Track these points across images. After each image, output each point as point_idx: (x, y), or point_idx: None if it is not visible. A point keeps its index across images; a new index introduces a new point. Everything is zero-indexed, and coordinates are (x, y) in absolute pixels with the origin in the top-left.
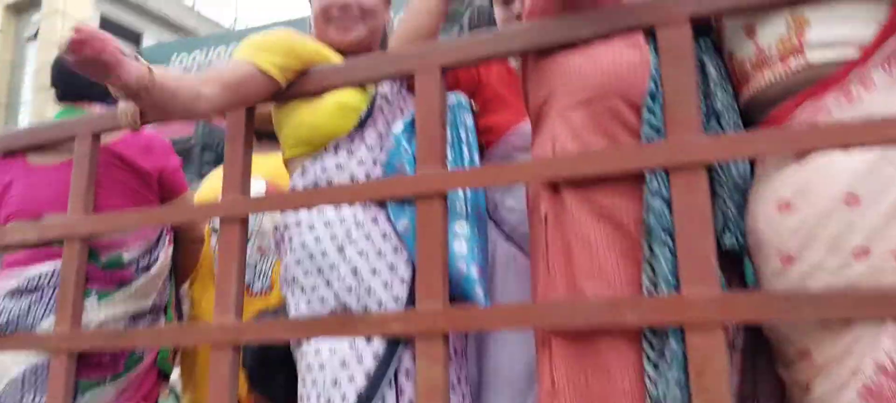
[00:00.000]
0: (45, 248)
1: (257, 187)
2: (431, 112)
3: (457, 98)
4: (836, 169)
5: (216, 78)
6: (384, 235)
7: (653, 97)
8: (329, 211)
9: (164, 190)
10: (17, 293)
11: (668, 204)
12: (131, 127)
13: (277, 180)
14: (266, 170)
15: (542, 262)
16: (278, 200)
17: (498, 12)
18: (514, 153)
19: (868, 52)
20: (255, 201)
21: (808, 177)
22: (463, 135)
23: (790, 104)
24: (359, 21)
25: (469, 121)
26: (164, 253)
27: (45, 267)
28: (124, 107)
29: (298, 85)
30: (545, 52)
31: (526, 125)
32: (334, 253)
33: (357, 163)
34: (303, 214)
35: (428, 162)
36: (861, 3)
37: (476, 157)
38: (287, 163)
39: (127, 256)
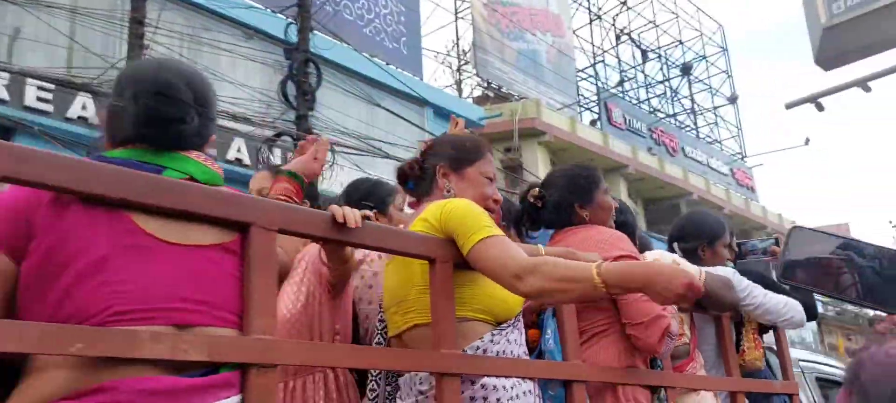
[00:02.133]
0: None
1: None
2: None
3: None
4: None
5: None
6: None
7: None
8: (524, 384)
9: None
10: None
11: None
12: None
13: None
14: None
15: None
16: (485, 364)
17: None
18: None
19: (694, 344)
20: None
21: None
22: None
23: (686, 363)
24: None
25: None
26: None
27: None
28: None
29: None
30: None
31: None
32: None
33: (518, 346)
34: (510, 381)
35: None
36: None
37: None
38: (462, 320)
39: None
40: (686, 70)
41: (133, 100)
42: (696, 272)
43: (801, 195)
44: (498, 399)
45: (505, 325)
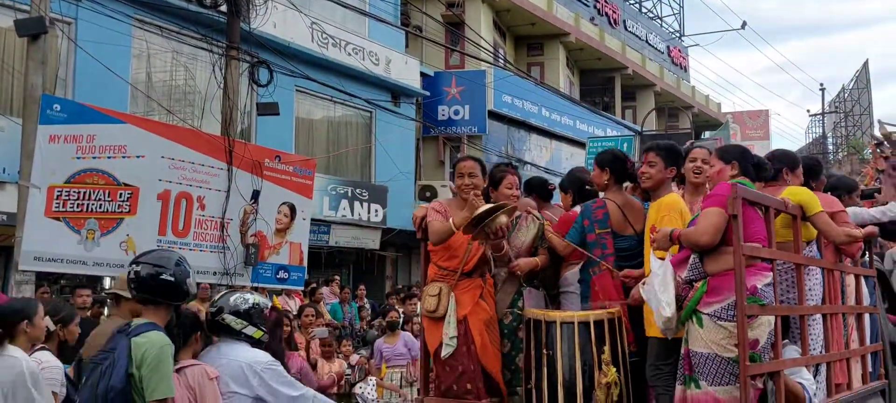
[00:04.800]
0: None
1: None
2: None
3: None
4: None
5: None
6: None
7: None
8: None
9: None
10: (770, 285)
11: None
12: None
13: None
14: None
15: None
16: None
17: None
18: None
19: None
20: None
21: None
22: None
23: (846, 261)
24: None
25: None
26: None
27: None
28: None
29: None
30: None
31: None
32: None
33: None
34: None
35: None
36: None
37: None
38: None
39: None
40: None
41: (753, 164)
42: None
43: (729, 79)
44: (814, 272)
45: (811, 242)
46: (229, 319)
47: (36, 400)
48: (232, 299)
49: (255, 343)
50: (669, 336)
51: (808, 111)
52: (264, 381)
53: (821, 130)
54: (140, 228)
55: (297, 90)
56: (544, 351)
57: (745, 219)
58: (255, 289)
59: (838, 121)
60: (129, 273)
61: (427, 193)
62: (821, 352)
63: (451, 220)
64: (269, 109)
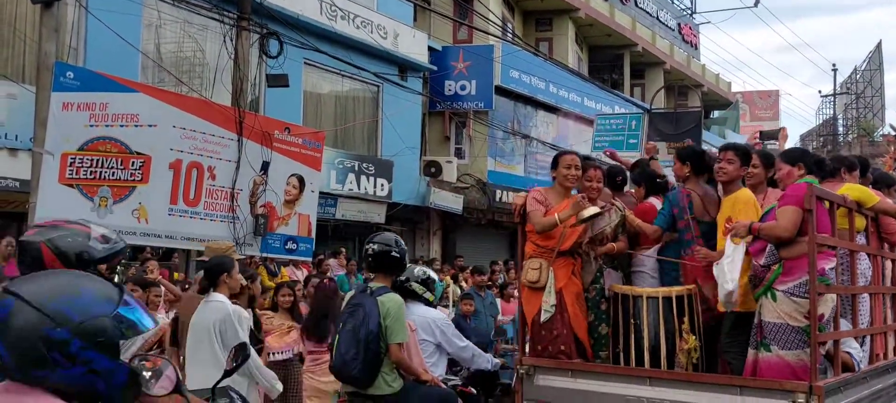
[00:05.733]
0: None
1: None
2: None
3: None
4: None
5: None
6: None
7: None
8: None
9: None
10: (833, 268)
11: None
12: None
13: None
14: None
15: None
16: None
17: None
18: None
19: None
20: None
21: None
22: None
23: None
24: None
25: None
26: None
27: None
28: None
29: None
30: None
31: None
32: None
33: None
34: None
35: None
36: None
37: None
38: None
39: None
40: None
41: (815, 162)
42: None
43: (741, 58)
44: (864, 257)
45: (861, 232)
46: (415, 286)
47: (240, 335)
48: (415, 271)
49: (428, 304)
50: (728, 309)
51: (820, 92)
52: (443, 333)
53: (832, 111)
54: (152, 197)
55: (305, 63)
56: (631, 321)
57: (816, 213)
58: (264, 259)
59: (849, 103)
60: (367, 250)
61: (432, 169)
62: (868, 326)
63: (556, 216)
64: (279, 81)
